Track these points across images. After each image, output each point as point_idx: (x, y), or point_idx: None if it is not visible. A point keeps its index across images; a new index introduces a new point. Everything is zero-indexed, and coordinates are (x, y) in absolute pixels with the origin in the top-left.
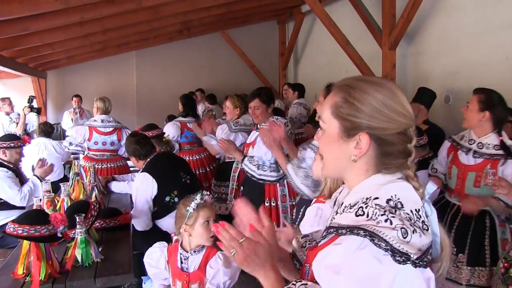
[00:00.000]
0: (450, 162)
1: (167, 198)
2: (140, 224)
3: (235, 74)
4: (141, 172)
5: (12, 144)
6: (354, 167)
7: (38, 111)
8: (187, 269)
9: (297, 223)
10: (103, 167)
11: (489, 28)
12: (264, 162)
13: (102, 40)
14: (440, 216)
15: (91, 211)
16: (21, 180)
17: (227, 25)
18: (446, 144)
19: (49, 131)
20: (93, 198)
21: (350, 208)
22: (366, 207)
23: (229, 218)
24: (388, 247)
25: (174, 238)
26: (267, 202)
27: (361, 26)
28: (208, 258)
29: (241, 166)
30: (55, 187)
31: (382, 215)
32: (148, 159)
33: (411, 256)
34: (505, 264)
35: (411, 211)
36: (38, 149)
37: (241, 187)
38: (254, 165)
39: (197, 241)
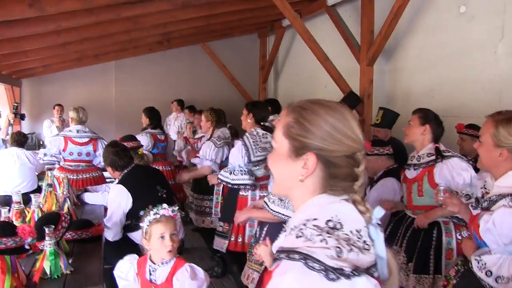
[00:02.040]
0: (402, 182)
1: (142, 213)
2: (110, 234)
3: (215, 87)
4: (116, 183)
5: None
6: (301, 187)
7: (22, 117)
8: (155, 281)
9: (260, 241)
10: (78, 177)
11: (463, 48)
12: (235, 167)
13: (79, 49)
14: (397, 228)
15: (62, 222)
16: None
17: (208, 38)
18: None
19: (22, 140)
20: (65, 210)
21: (293, 230)
22: (305, 229)
23: (212, 231)
24: (321, 267)
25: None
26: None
27: (340, 42)
28: (176, 270)
29: (218, 179)
30: (28, 198)
31: (318, 235)
32: (125, 171)
33: (345, 270)
34: (444, 282)
35: (351, 231)
36: (10, 159)
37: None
38: (227, 172)
39: (155, 254)
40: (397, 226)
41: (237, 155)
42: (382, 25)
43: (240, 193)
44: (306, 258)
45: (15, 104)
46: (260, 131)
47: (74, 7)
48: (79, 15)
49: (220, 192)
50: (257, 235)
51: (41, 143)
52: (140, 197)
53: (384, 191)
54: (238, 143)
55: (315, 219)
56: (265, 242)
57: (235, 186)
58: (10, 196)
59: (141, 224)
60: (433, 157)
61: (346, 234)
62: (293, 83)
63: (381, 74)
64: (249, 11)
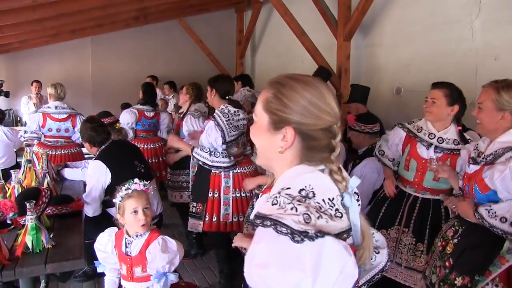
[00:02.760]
0: (408, 155)
1: None
2: (90, 210)
3: (192, 62)
4: (94, 159)
5: None
6: (280, 158)
7: (7, 95)
8: (130, 253)
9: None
10: (57, 153)
11: (439, 22)
12: (216, 148)
13: (55, 25)
14: (397, 206)
15: (42, 197)
16: None
17: (185, 13)
18: (400, 132)
19: (0, 117)
20: (45, 185)
21: (270, 198)
22: (279, 197)
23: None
24: (288, 231)
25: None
26: (210, 193)
27: (317, 17)
28: (149, 243)
29: (192, 155)
30: (7, 174)
31: (289, 203)
32: (103, 147)
33: (309, 232)
34: (443, 243)
35: (323, 200)
36: None
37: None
38: (206, 152)
39: (130, 229)
40: (397, 204)
41: (215, 134)
42: (359, 0)
43: (213, 171)
44: (275, 223)
45: (1, 81)
46: (232, 109)
47: None
48: None
49: (196, 166)
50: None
51: (19, 119)
52: (119, 172)
53: (367, 173)
54: (210, 124)
55: (288, 188)
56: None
57: (212, 169)
58: None
59: (114, 200)
60: (459, 146)
61: (318, 203)
62: (270, 58)
63: (358, 50)
64: None
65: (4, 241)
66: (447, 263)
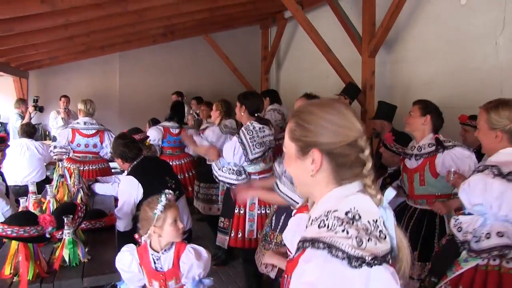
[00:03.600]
0: (402, 171)
1: None
2: (122, 224)
3: (217, 78)
4: (127, 175)
5: None
6: (315, 182)
7: (41, 110)
8: (161, 268)
9: (278, 230)
10: (85, 169)
11: (464, 39)
12: (224, 164)
13: (86, 41)
14: (399, 218)
15: (78, 212)
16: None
17: (210, 29)
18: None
19: (32, 132)
20: (79, 200)
21: (315, 221)
22: (327, 219)
23: (218, 218)
24: (344, 255)
25: (142, 239)
26: (236, 209)
27: (342, 33)
28: (180, 254)
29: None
30: (38, 188)
31: (340, 225)
32: (135, 162)
33: (366, 258)
34: (437, 249)
35: (369, 221)
36: (20, 150)
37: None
38: (216, 166)
39: (167, 240)
40: (399, 216)
41: (229, 152)
42: (384, 17)
43: None
44: (330, 247)
45: (35, 98)
46: (257, 125)
47: (84, 2)
48: (87, 9)
49: None
50: (273, 224)
51: (47, 133)
52: (151, 187)
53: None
54: (233, 139)
55: (335, 210)
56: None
57: (221, 182)
58: (20, 186)
59: (149, 213)
60: (434, 148)
61: (365, 224)
62: (295, 74)
63: (382, 65)
64: (251, 3)
65: (42, 254)
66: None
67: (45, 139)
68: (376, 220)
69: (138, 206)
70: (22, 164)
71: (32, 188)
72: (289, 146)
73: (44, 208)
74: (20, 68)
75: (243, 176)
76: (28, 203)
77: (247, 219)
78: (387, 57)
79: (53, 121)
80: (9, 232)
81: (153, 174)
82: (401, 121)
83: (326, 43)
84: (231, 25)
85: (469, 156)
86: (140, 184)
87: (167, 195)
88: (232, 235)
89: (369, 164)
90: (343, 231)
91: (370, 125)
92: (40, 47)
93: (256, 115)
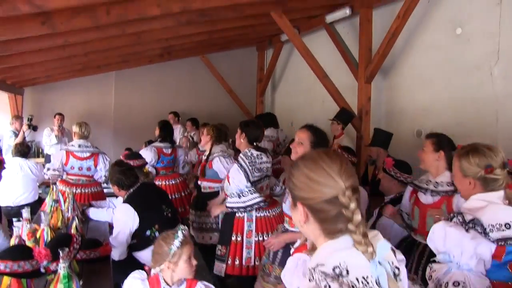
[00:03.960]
0: (413, 205)
1: (148, 232)
2: (116, 253)
3: (213, 98)
4: (123, 202)
5: None
6: (309, 232)
7: (35, 129)
8: None
9: (276, 263)
10: (78, 192)
11: (459, 68)
12: (242, 189)
13: (83, 61)
14: (407, 254)
15: (74, 244)
16: None
17: (207, 50)
18: (409, 188)
19: (26, 151)
20: (73, 229)
21: (308, 273)
22: (314, 273)
23: (212, 248)
24: None
25: (153, 271)
26: (233, 236)
27: (338, 57)
28: None
29: (227, 208)
30: (31, 208)
31: (323, 281)
32: (131, 190)
33: None
34: None
35: (357, 278)
36: (14, 170)
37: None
38: (235, 197)
39: (180, 276)
40: (407, 253)
41: (239, 176)
42: (380, 44)
43: (237, 214)
44: None
45: (30, 116)
46: (255, 152)
47: (84, 25)
48: (87, 31)
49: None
50: (271, 256)
51: (41, 151)
52: (147, 216)
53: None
54: (234, 167)
55: (322, 264)
56: None
57: (248, 208)
58: (11, 207)
59: (164, 248)
60: (453, 187)
61: (351, 281)
62: (291, 97)
63: (378, 91)
64: (250, 26)
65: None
66: None
67: (38, 157)
68: (367, 277)
69: (134, 235)
70: (15, 184)
71: (26, 215)
72: (288, 194)
73: (38, 236)
74: (16, 85)
75: (243, 198)
76: (21, 231)
77: (244, 246)
78: (383, 83)
79: (47, 139)
80: (2, 268)
81: (150, 202)
82: (396, 148)
83: (323, 69)
84: (228, 46)
85: None
86: (136, 213)
87: (183, 231)
88: (229, 262)
89: (356, 219)
90: (325, 286)
91: (366, 152)
92: (37, 66)
93: (254, 143)
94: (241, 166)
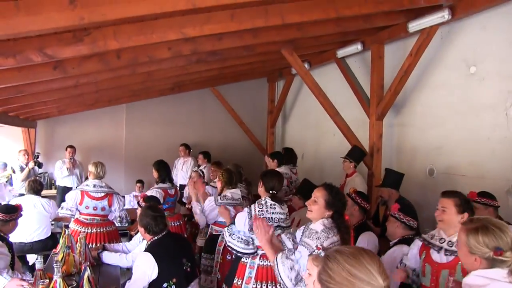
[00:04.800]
0: (424, 261)
1: (165, 285)
2: None
3: (224, 130)
4: (144, 250)
5: (12, 217)
6: None
7: (40, 166)
8: None
9: None
10: (92, 231)
11: (473, 108)
12: (234, 232)
13: (94, 97)
14: None
15: None
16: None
17: (218, 82)
18: (418, 243)
19: (38, 188)
20: (85, 280)
21: None
22: None
23: None
24: None
25: None
26: (235, 279)
27: (349, 92)
28: None
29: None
30: (43, 245)
31: None
32: (156, 238)
33: None
34: None
35: None
36: (27, 207)
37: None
38: (227, 231)
39: None
40: None
41: (240, 221)
42: (392, 81)
43: (242, 259)
44: None
45: (37, 153)
46: (269, 201)
47: (95, 69)
48: (98, 73)
49: (221, 251)
50: None
51: (53, 182)
52: (166, 269)
53: (393, 262)
54: (244, 210)
55: None
56: None
57: (228, 248)
58: (25, 244)
59: None
60: None
61: None
62: (302, 129)
63: (389, 128)
64: (260, 62)
65: None
66: None
67: (50, 188)
68: None
69: (150, 285)
70: (28, 221)
71: (38, 265)
72: (317, 285)
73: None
74: (29, 119)
75: (251, 246)
76: (34, 284)
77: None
78: (394, 120)
79: (58, 171)
80: None
81: (171, 254)
82: (408, 187)
83: (334, 107)
84: (238, 78)
85: None
86: (156, 264)
87: None
88: None
89: None
90: None
91: (377, 193)
92: (49, 103)
93: (271, 192)
94: (249, 212)
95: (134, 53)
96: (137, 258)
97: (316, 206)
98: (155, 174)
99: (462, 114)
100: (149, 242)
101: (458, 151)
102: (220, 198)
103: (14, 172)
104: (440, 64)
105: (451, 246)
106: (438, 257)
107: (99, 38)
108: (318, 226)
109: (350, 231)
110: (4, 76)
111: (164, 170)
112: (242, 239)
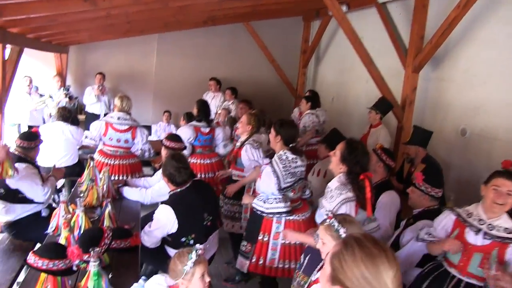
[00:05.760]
0: (455, 238)
1: (183, 239)
2: (148, 243)
3: (254, 67)
4: (167, 203)
5: (36, 144)
6: None
7: (71, 98)
8: None
9: (301, 270)
10: (115, 163)
11: None
12: (268, 196)
13: (126, 27)
14: (439, 285)
15: (105, 239)
16: (39, 173)
17: (252, 18)
18: (452, 217)
19: (67, 116)
20: (106, 215)
21: None
22: None
23: (241, 236)
24: None
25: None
26: (260, 236)
27: (386, 40)
28: None
29: (254, 208)
30: (71, 170)
31: None
32: (178, 190)
33: None
34: None
35: None
36: (55, 133)
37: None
38: (260, 200)
39: None
40: (439, 284)
41: (268, 183)
42: (434, 33)
43: (264, 217)
44: None
45: (68, 86)
46: (290, 155)
47: (126, 2)
48: (129, 5)
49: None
50: (302, 262)
51: (82, 107)
52: (186, 224)
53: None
54: (267, 169)
55: None
56: None
57: (270, 215)
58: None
59: (178, 267)
60: (511, 235)
61: None
62: (334, 72)
63: (425, 81)
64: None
65: (69, 280)
66: None
67: (80, 113)
68: None
69: (169, 235)
70: (56, 147)
71: (63, 198)
72: (327, 263)
73: (72, 223)
74: (61, 44)
75: (288, 203)
76: (58, 217)
77: (270, 247)
78: (432, 74)
79: (87, 97)
80: (39, 265)
81: (193, 210)
82: (437, 146)
83: (369, 54)
84: (273, 15)
85: None
86: (176, 219)
87: (197, 250)
88: (253, 260)
89: None
90: None
91: (403, 149)
92: (81, 31)
93: (290, 145)
94: (274, 171)
95: None
96: (158, 210)
97: (335, 158)
98: (194, 111)
99: (505, 75)
100: (171, 193)
101: (496, 113)
102: (254, 143)
103: (52, 98)
104: (487, 20)
105: (491, 230)
106: (474, 238)
107: None
108: (333, 183)
109: (365, 190)
110: (34, 5)
111: (203, 111)
112: (279, 198)
